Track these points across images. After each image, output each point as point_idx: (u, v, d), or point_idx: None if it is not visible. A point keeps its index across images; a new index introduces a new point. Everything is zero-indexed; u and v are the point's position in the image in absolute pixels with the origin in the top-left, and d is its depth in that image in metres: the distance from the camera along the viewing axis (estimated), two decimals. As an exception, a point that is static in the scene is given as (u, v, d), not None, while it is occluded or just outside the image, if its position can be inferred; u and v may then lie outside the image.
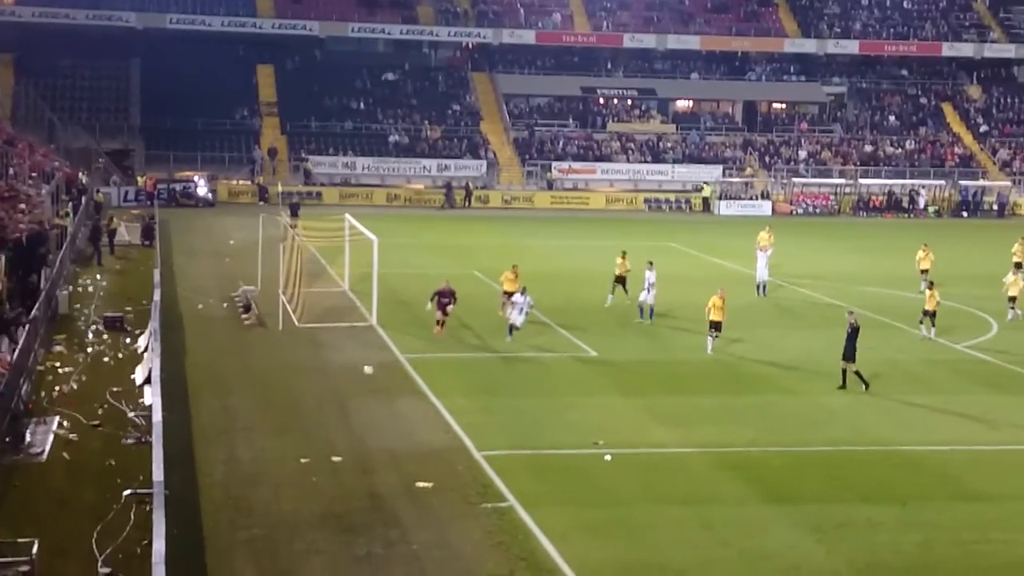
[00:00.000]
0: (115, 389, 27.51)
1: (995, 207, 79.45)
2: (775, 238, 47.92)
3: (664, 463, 24.19)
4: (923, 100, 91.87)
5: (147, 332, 31.64)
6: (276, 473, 22.54)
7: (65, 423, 24.94)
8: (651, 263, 38.15)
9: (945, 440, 26.28)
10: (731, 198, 77.72)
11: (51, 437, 23.97)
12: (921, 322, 36.47)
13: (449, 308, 34.21)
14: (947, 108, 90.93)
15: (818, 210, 78.07)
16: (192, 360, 31.17)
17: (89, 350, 31.79)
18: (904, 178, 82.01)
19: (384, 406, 27.41)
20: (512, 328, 33.81)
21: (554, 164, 79.07)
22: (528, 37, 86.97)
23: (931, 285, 37.52)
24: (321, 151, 77.20)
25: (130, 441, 23.93)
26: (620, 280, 39.74)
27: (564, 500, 21.67)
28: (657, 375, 31.48)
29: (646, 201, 77.78)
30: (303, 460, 23.23)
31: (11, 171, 47.78)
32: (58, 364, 30.01)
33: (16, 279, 33.20)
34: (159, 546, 15.84)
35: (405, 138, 79.95)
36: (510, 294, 35.55)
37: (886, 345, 35.28)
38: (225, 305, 38.83)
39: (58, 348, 31.77)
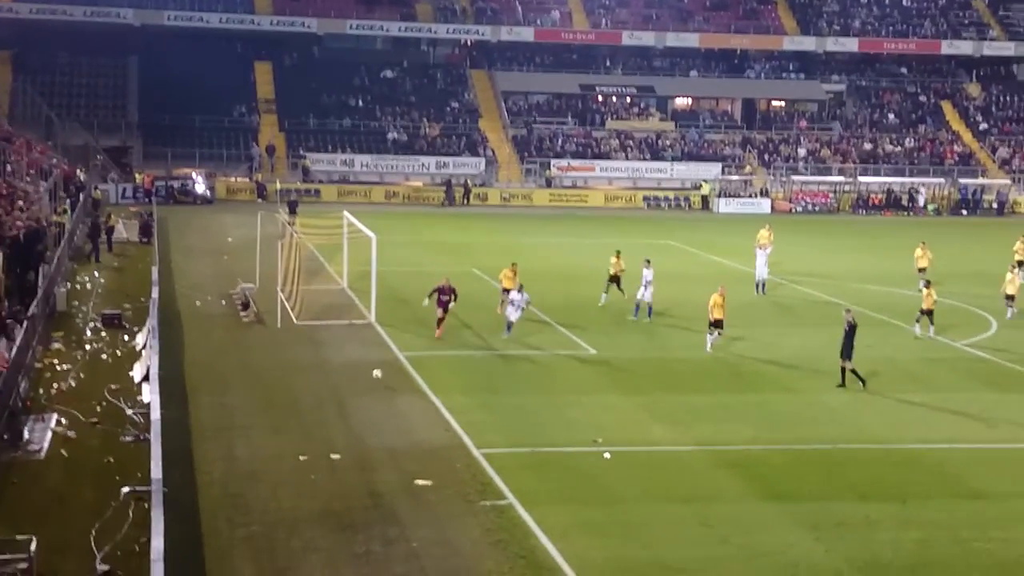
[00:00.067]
0: (113, 386, 27.49)
1: (994, 205, 79.49)
2: (774, 236, 47.93)
3: (663, 461, 24.17)
4: (922, 98, 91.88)
5: (145, 329, 31.61)
6: (275, 471, 22.51)
7: (63, 420, 24.91)
8: (648, 261, 38.14)
9: (944, 438, 26.27)
10: (730, 196, 77.73)
11: (49, 434, 23.95)
12: (918, 320, 36.45)
13: (451, 306, 34.05)
14: (946, 106, 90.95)
15: (817, 208, 78.08)
16: (190, 358, 31.14)
17: (87, 347, 31.76)
18: (903, 176, 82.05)
19: (383, 404, 27.38)
20: (509, 325, 33.73)
21: (553, 162, 79.06)
22: (527, 34, 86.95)
23: (928, 284, 37.50)
24: (319, 148, 77.18)
25: (128, 439, 23.90)
26: (614, 279, 39.64)
27: (563, 498, 21.66)
28: (656, 373, 31.46)
29: (645, 199, 77.77)
30: (302, 458, 23.21)
31: (9, 168, 47.80)
32: (56, 361, 29.98)
33: (14, 276, 33.17)
34: (157, 544, 15.81)
35: (404, 135, 79.92)
36: (507, 291, 35.53)
37: (885, 343, 35.28)
38: (223, 303, 38.80)
39: (56, 345, 31.73)
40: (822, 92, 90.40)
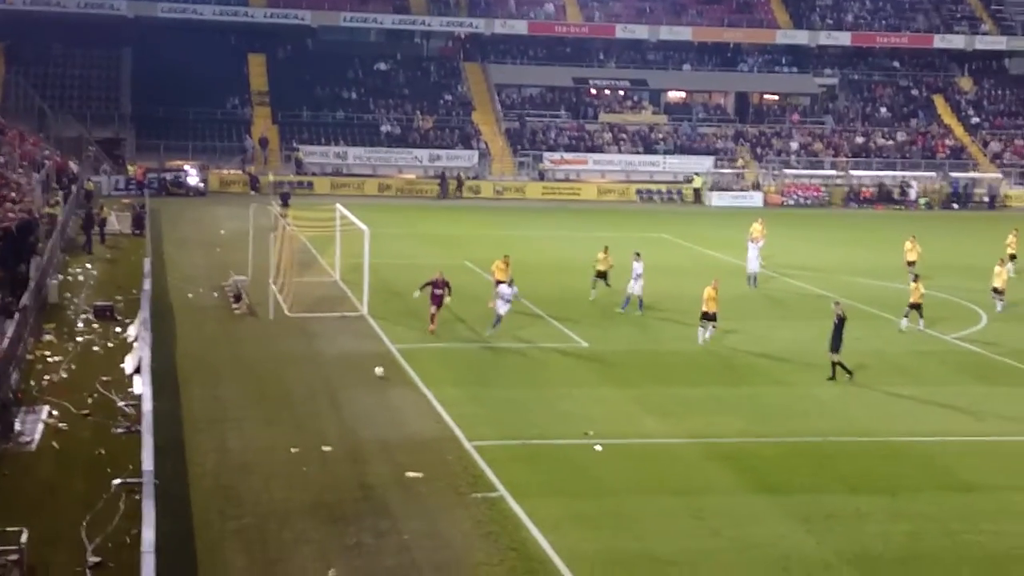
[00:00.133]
0: (105, 378, 27.48)
1: (985, 199, 79.60)
2: (766, 230, 48.03)
3: (654, 453, 24.23)
4: (914, 92, 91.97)
5: (137, 321, 31.61)
6: (266, 463, 22.54)
7: (55, 412, 24.90)
8: (638, 254, 38.16)
9: (934, 431, 26.37)
10: (722, 189, 77.74)
11: (41, 426, 23.94)
12: (906, 315, 36.49)
13: (446, 300, 33.85)
14: (938, 100, 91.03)
15: (809, 201, 78.15)
16: (182, 350, 31.14)
17: (79, 339, 31.74)
18: (895, 170, 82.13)
19: (375, 396, 27.42)
20: (497, 320, 33.59)
21: (546, 155, 79.01)
22: (520, 27, 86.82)
23: (916, 278, 37.60)
24: (313, 141, 77.05)
25: (120, 430, 23.90)
26: (602, 275, 39.61)
27: (554, 490, 21.71)
28: (648, 366, 31.50)
29: (638, 192, 77.77)
30: (293, 450, 23.24)
31: (1, 160, 47.68)
32: (48, 353, 29.96)
33: (5, 268, 33.11)
34: (148, 535, 15.84)
35: (397, 128, 79.84)
36: (500, 283, 35.49)
37: (875, 336, 35.39)
38: (216, 295, 38.79)
39: (48, 337, 31.71)
40: (814, 86, 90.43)
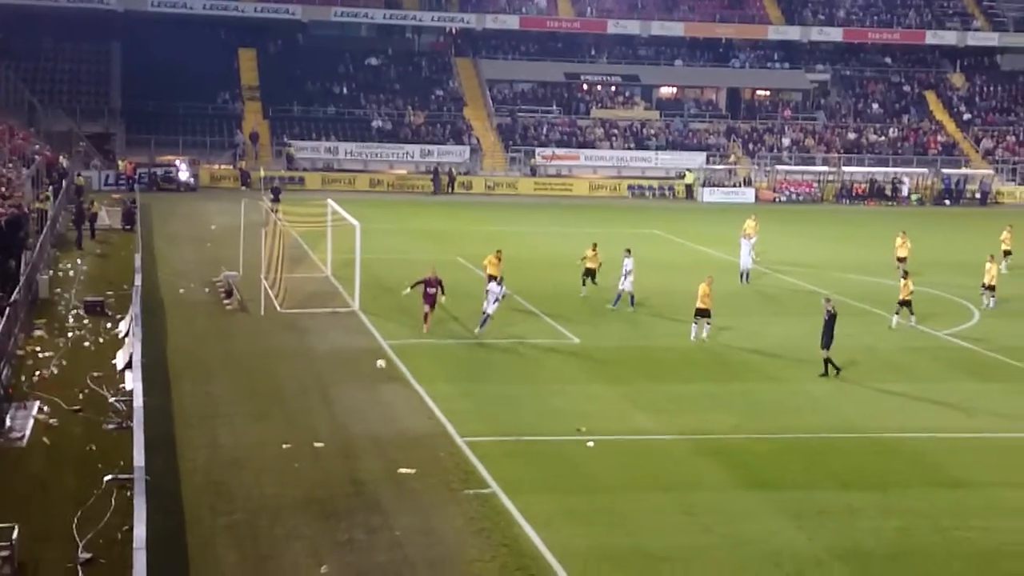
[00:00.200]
0: (96, 374, 27.41)
1: (977, 195, 79.75)
2: (759, 226, 48.05)
3: (646, 450, 24.24)
4: (906, 88, 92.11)
5: (128, 317, 31.54)
6: (258, 458, 22.50)
7: (45, 408, 24.83)
8: (628, 250, 38.10)
9: (925, 427, 26.40)
10: (714, 185, 77.81)
11: (31, 422, 23.87)
12: (896, 312, 36.50)
13: (441, 299, 33.48)
14: (930, 96, 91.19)
15: (801, 197, 78.23)
16: (173, 345, 31.07)
17: (70, 335, 31.65)
18: (887, 166, 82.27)
19: (366, 392, 27.38)
20: (486, 318, 33.21)
21: (537, 150, 79.01)
22: (512, 22, 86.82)
23: (906, 274, 37.64)
24: (304, 136, 76.97)
25: (111, 426, 23.84)
26: (590, 273, 39.50)
27: (546, 487, 21.70)
28: (640, 362, 31.50)
29: (629, 188, 77.82)
30: (285, 446, 23.20)
31: (-9, 154, 47.54)
32: (38, 349, 29.88)
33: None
34: (140, 531, 15.80)
35: (388, 123, 79.74)
36: (492, 277, 35.42)
37: (866, 332, 35.44)
38: (207, 290, 38.71)
39: (38, 332, 31.62)
40: (806, 82, 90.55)
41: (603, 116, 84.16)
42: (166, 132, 73.47)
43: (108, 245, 48.10)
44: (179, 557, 18.02)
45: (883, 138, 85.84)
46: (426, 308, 33.33)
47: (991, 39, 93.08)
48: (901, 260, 44.96)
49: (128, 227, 51.58)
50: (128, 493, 19.08)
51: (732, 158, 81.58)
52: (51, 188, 52.02)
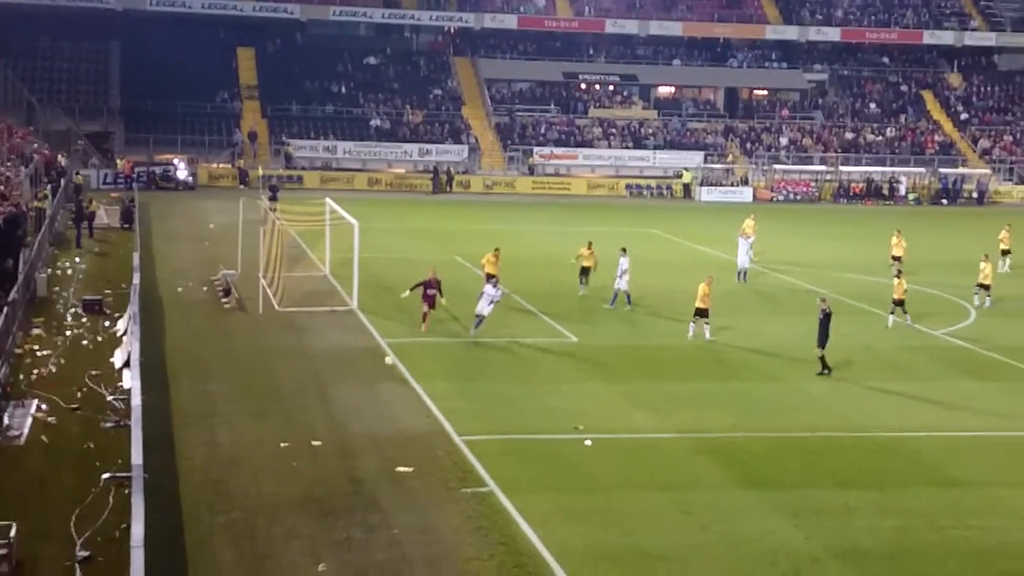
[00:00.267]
0: (94, 372, 27.42)
1: (974, 195, 79.81)
2: (757, 226, 48.09)
3: (644, 448, 24.25)
4: (904, 88, 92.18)
5: (126, 315, 31.55)
6: (256, 457, 22.51)
7: (44, 406, 24.84)
8: (624, 249, 38.09)
9: (922, 426, 26.43)
10: (712, 184, 77.86)
11: (29, 420, 23.87)
12: (892, 312, 36.53)
13: (441, 300, 33.31)
14: (928, 96, 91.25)
15: (798, 197, 78.27)
16: (171, 344, 31.07)
17: (68, 333, 31.66)
18: (884, 165, 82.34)
19: (365, 391, 27.39)
20: (480, 320, 32.99)
21: (535, 149, 79.04)
22: (510, 22, 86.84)
23: (899, 273, 37.68)
24: (302, 135, 76.97)
25: (109, 425, 23.85)
26: (585, 271, 39.44)
27: (544, 485, 21.71)
28: (637, 361, 31.52)
29: (627, 187, 77.85)
30: (283, 444, 23.21)
31: (-11, 153, 47.52)
32: (37, 347, 29.88)
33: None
34: (138, 530, 15.82)
35: (386, 122, 79.75)
36: (491, 276, 35.39)
37: (864, 332, 35.47)
38: (205, 289, 38.72)
39: (37, 331, 31.62)
40: (804, 81, 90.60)
41: (601, 115, 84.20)
42: (165, 131, 73.47)
43: (106, 244, 48.11)
44: (177, 555, 18.03)
45: (880, 138, 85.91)
46: (425, 308, 33.29)
47: (988, 39, 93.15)
48: (896, 259, 44.99)
49: (126, 226, 51.59)
50: (126, 491, 19.10)
51: (730, 157, 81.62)
52: (49, 187, 52.04)
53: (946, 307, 40.08)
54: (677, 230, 58.20)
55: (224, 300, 36.62)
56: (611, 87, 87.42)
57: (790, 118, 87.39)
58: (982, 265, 40.27)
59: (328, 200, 42.97)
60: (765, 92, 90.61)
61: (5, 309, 28.01)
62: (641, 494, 21.52)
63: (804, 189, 78.96)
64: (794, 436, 25.38)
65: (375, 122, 79.51)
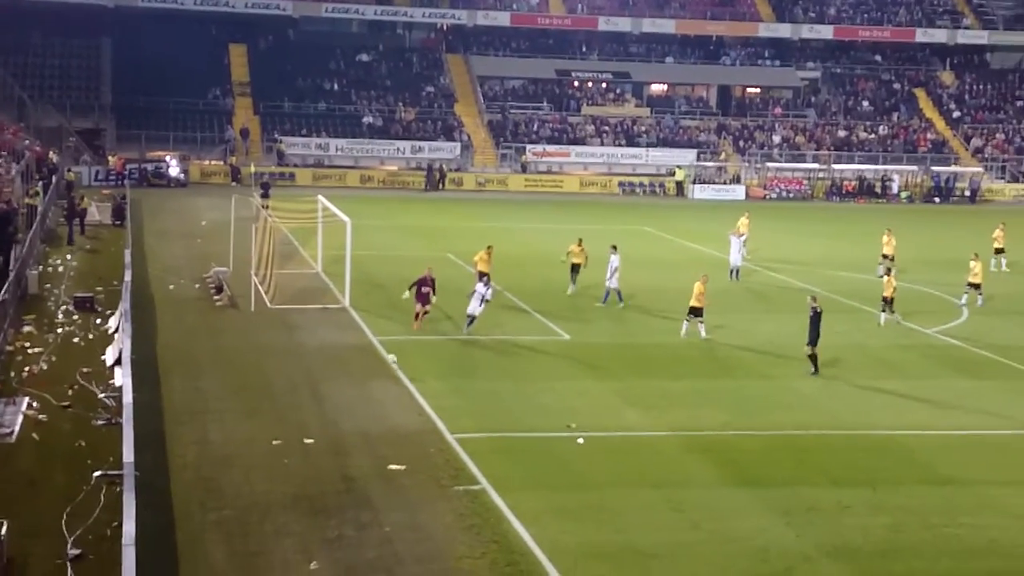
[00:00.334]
0: (85, 370, 27.37)
1: (967, 193, 79.92)
2: (750, 223, 48.11)
3: (636, 446, 24.25)
4: (896, 86, 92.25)
5: (118, 313, 31.48)
6: (247, 455, 22.48)
7: (35, 404, 24.78)
8: (614, 247, 38.02)
9: (914, 424, 26.46)
10: (705, 182, 77.88)
11: (20, 418, 23.82)
12: (883, 310, 36.57)
13: (434, 299, 33.23)
14: (920, 94, 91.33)
15: (791, 195, 78.31)
16: (163, 341, 31.02)
17: (59, 330, 31.59)
18: (877, 163, 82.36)
19: (357, 388, 27.36)
20: (472, 319, 32.93)
21: (528, 147, 78.97)
22: (503, 19, 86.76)
23: (888, 271, 37.71)
24: (294, 132, 76.87)
25: (100, 422, 23.81)
26: (575, 268, 39.38)
27: (536, 483, 21.70)
28: (630, 359, 31.52)
29: (620, 185, 77.82)
30: (275, 442, 23.18)
31: (-20, 150, 47.39)
32: (28, 344, 29.81)
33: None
34: (129, 528, 15.77)
35: (379, 120, 79.67)
36: (483, 275, 35.36)
37: (856, 330, 35.52)
38: (197, 286, 38.65)
39: (28, 328, 31.55)
40: (797, 79, 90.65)
41: (594, 113, 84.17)
42: (156, 128, 73.31)
43: (98, 241, 48.02)
44: (168, 553, 18.00)
45: (873, 136, 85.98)
46: (417, 307, 33.23)
47: (981, 37, 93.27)
48: (886, 257, 45.04)
49: (118, 223, 51.48)
50: (117, 489, 19.05)
51: (723, 155, 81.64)
52: (41, 184, 51.93)
53: (938, 305, 40.12)
54: (670, 228, 58.21)
55: (216, 297, 36.57)
56: (604, 85, 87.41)
57: (783, 116, 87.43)
58: (972, 264, 40.31)
59: (320, 197, 42.92)
60: (758, 90, 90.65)
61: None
62: (633, 492, 21.52)
63: (797, 187, 79.01)
64: (786, 434, 25.40)
65: (367, 119, 79.43)
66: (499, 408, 26.24)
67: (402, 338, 32.22)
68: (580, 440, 24.11)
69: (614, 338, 33.86)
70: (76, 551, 17.73)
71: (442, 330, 33.60)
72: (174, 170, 69.13)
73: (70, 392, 25.78)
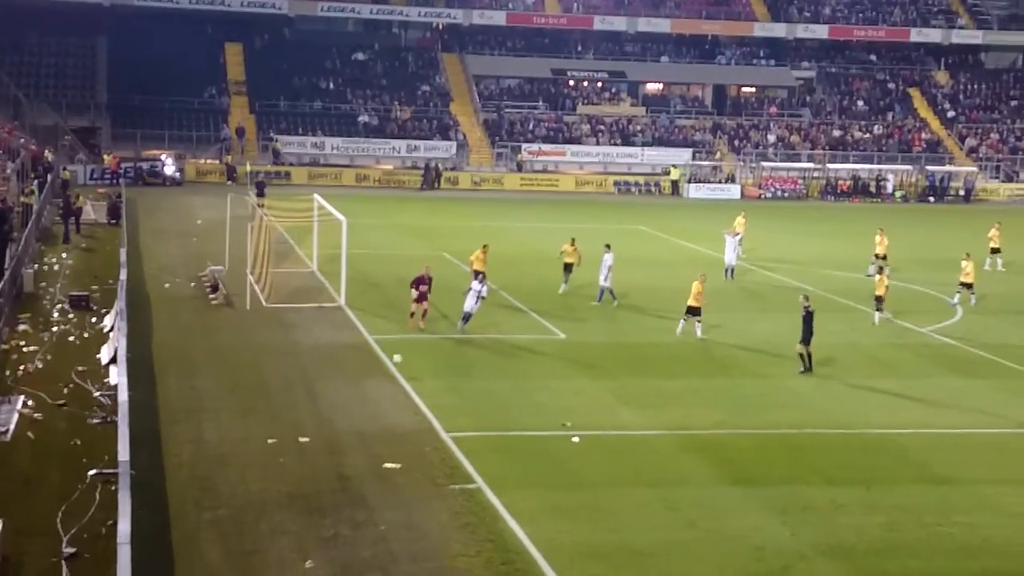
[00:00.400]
0: (81, 368, 27.35)
1: (961, 192, 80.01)
2: (746, 223, 48.16)
3: (631, 445, 24.28)
4: (891, 85, 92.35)
5: (113, 311, 31.46)
6: (243, 454, 22.48)
7: (30, 402, 24.76)
8: (608, 246, 38.02)
9: (909, 423, 26.50)
10: (700, 181, 77.93)
11: (16, 416, 23.79)
12: (877, 309, 36.61)
13: (430, 296, 33.27)
14: (915, 93, 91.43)
15: (786, 194, 78.36)
16: (159, 340, 31.01)
17: (55, 329, 31.56)
18: (872, 163, 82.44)
19: (352, 387, 27.37)
20: (467, 316, 32.91)
21: (524, 146, 78.97)
22: (498, 18, 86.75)
23: (880, 270, 37.74)
24: (290, 131, 76.82)
25: (96, 421, 23.79)
26: (567, 267, 39.36)
27: (531, 482, 21.72)
28: (625, 358, 31.54)
29: (615, 184, 77.85)
30: (270, 441, 23.19)
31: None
32: (23, 343, 29.78)
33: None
34: (124, 526, 15.77)
35: (375, 119, 79.63)
36: (479, 273, 35.37)
37: (851, 329, 35.56)
38: (192, 285, 38.63)
39: (23, 327, 31.52)
40: (792, 78, 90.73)
41: (589, 112, 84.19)
42: (152, 126, 73.26)
43: (93, 239, 47.98)
44: (163, 552, 18.00)
45: (868, 135, 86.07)
46: (413, 305, 33.23)
47: (975, 37, 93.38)
48: (879, 257, 45.08)
49: (114, 221, 51.44)
50: (112, 488, 19.05)
51: (718, 154, 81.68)
52: (36, 182, 51.89)
53: (933, 304, 40.18)
54: (665, 227, 58.24)
55: (211, 296, 36.56)
56: (599, 84, 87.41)
57: (778, 115, 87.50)
58: (963, 264, 40.36)
59: (316, 196, 42.91)
60: (753, 89, 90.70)
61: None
62: (628, 491, 21.54)
63: (792, 186, 79.07)
64: (781, 433, 25.43)
65: (363, 118, 79.39)
66: (494, 407, 26.25)
67: (398, 337, 32.22)
68: (575, 439, 24.13)
69: (610, 337, 33.88)
70: (71, 550, 17.72)
71: (438, 329, 33.60)
72: (170, 169, 69.05)
73: (65, 391, 25.76)
